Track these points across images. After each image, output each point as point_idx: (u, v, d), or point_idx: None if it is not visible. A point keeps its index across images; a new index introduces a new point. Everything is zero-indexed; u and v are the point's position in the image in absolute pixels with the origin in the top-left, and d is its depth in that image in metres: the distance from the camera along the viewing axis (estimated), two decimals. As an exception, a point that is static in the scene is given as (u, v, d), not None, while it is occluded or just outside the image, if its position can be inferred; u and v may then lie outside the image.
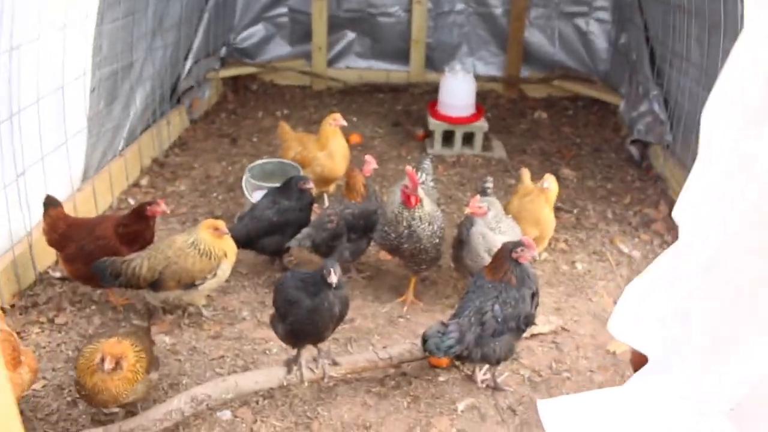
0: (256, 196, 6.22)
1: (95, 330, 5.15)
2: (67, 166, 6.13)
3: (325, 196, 7.01)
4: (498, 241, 5.08)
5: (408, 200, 5.12)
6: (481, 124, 8.50)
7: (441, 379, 4.87)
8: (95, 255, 5.08)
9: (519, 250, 4.48)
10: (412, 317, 5.53)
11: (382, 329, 5.37)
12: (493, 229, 5.14)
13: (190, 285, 5.09)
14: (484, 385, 4.79)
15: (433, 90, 10.11)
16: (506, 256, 4.50)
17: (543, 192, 5.83)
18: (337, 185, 7.20)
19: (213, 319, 5.38)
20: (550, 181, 5.84)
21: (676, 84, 7.74)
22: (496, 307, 4.40)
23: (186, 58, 8.81)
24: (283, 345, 4.69)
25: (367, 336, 5.28)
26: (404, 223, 5.17)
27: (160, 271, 5.00)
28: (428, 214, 5.21)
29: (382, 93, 10.50)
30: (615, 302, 5.83)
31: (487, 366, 4.74)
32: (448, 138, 8.59)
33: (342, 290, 4.26)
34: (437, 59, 10.55)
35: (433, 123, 8.50)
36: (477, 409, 4.61)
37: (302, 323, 4.23)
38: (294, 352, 4.54)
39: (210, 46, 9.36)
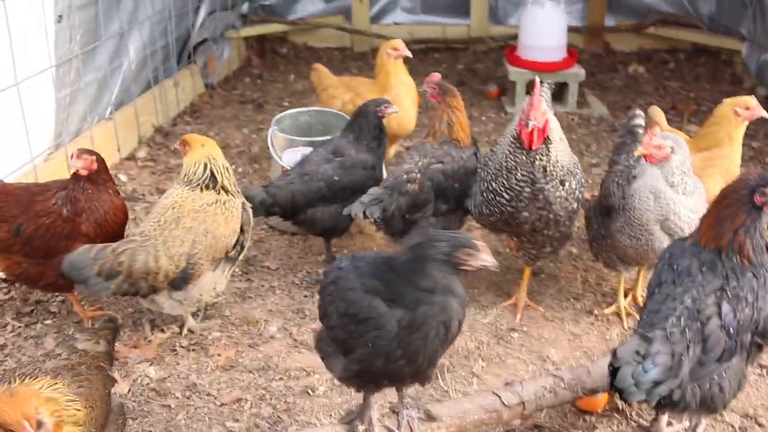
0: (287, 157, 4.35)
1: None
2: (23, 126, 4.32)
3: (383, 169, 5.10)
4: (681, 206, 3.13)
5: (530, 137, 3.18)
6: (577, 71, 6.59)
7: (600, 435, 2.96)
8: (38, 241, 3.34)
9: None
10: (531, 329, 3.64)
11: (487, 350, 3.50)
12: (675, 186, 3.16)
13: (223, 260, 3.44)
14: (678, 448, 2.87)
15: (500, 48, 8.47)
16: (744, 198, 2.55)
17: (740, 124, 3.79)
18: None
19: (226, 333, 3.54)
20: (755, 106, 3.71)
21: None
22: (725, 306, 2.48)
23: (198, 8, 7.02)
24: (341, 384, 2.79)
25: (466, 362, 3.42)
26: (519, 174, 3.26)
27: (188, 254, 3.28)
28: (561, 163, 3.28)
29: (438, 52, 8.72)
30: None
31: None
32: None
33: (458, 285, 2.30)
34: (501, 10, 8.75)
35: (513, 72, 6.59)
36: (679, 495, 2.70)
37: (387, 357, 2.30)
38: (359, 396, 2.64)
39: (228, -2, 7.60)
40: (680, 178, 3.15)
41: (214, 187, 3.45)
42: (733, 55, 7.76)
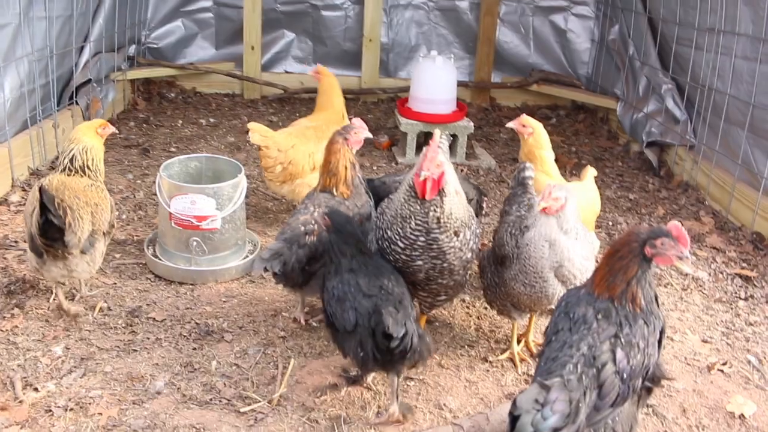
0: (175, 205, 4.18)
1: None
2: None
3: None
4: (575, 252, 3.22)
5: (423, 187, 3.20)
6: (466, 124, 6.73)
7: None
8: None
9: (659, 242, 2.62)
10: (427, 377, 3.58)
11: (384, 400, 3.39)
12: (568, 232, 3.24)
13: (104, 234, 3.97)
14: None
15: (390, 99, 8.70)
16: (635, 250, 2.64)
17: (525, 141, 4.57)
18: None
19: (108, 390, 3.29)
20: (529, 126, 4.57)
21: (708, 67, 6.21)
22: (620, 352, 2.54)
23: (82, 49, 6.77)
24: None
25: (363, 413, 3.30)
26: (413, 223, 3.25)
27: (91, 221, 3.79)
28: (455, 215, 3.30)
29: (329, 101, 8.76)
30: (704, 341, 4.16)
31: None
32: (420, 143, 6.78)
33: None
34: (391, 63, 8.95)
35: (405, 123, 6.68)
36: None
37: None
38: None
39: (114, 39, 7.38)
40: (572, 225, 3.24)
41: (85, 173, 3.94)
42: (609, 112, 8.20)
